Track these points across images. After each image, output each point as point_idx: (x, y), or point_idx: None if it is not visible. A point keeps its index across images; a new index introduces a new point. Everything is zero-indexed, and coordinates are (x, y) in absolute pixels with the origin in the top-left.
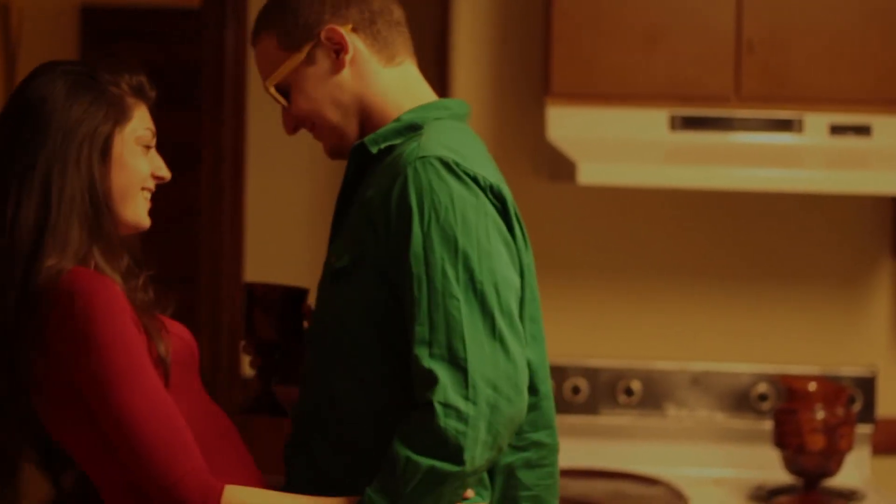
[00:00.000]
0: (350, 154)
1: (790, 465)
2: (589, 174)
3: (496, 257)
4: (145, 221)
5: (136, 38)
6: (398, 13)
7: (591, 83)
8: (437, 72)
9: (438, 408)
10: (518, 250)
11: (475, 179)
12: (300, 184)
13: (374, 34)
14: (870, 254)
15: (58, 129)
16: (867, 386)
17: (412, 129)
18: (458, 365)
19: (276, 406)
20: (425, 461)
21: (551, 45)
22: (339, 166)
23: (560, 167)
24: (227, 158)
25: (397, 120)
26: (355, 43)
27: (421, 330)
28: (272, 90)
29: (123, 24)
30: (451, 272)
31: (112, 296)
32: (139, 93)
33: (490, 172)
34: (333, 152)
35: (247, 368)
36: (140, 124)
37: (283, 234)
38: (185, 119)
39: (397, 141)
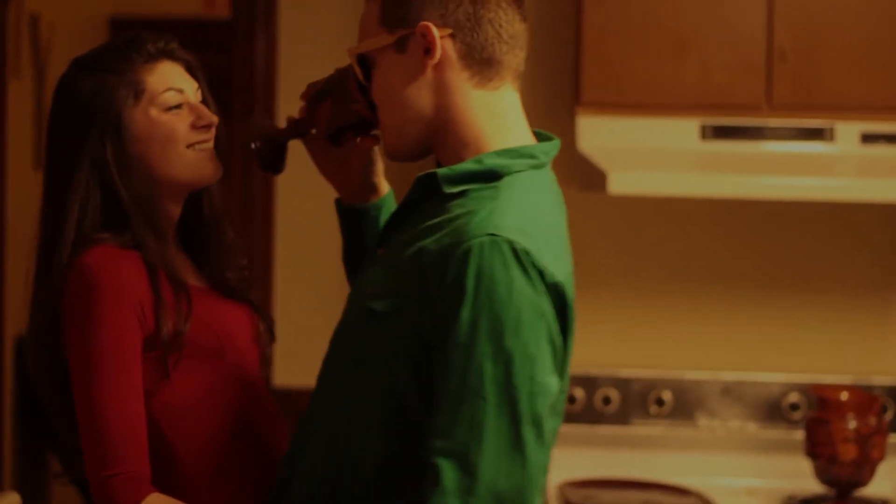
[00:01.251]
0: (418, 180)
1: (822, 475)
2: (620, 184)
3: (539, 363)
4: (206, 172)
5: None
6: (517, 28)
7: (621, 92)
8: None
9: None
10: (567, 348)
11: (541, 274)
12: (331, 193)
13: (475, 47)
14: None
15: (75, 119)
16: None
17: (492, 177)
18: (469, 471)
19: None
20: None
21: (581, 55)
22: None
23: (591, 177)
24: (257, 170)
25: (478, 161)
26: (447, 50)
27: (442, 419)
28: (353, 60)
29: None
30: (489, 370)
31: (114, 281)
32: (152, 56)
33: (559, 263)
34: (392, 153)
35: (279, 378)
36: (159, 87)
37: (314, 242)
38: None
39: (473, 186)
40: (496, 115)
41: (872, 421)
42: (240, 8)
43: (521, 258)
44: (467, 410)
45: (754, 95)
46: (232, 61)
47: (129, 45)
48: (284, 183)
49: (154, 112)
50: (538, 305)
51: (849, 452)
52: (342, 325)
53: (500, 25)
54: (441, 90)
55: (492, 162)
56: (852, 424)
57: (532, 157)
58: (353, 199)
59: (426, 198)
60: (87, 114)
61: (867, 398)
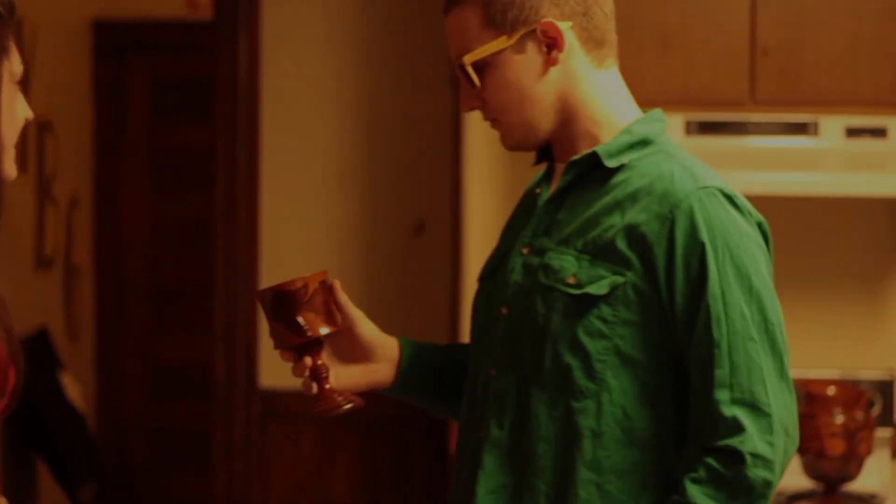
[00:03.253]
0: (572, 165)
1: (810, 469)
2: None
3: (775, 295)
4: (14, 173)
5: (149, 51)
6: (610, 5)
7: None
8: (452, 82)
9: (749, 458)
10: None
11: (750, 213)
12: (315, 195)
13: (590, 31)
14: (888, 256)
15: None
16: (886, 390)
17: (645, 143)
18: (763, 411)
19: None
20: None
21: None
22: (355, 179)
23: None
24: (241, 170)
25: (628, 132)
26: (570, 40)
27: (721, 373)
28: (468, 67)
29: (136, 37)
30: (748, 312)
31: None
32: (10, 12)
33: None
34: (517, 146)
35: (264, 380)
36: (15, 56)
37: (299, 246)
38: (200, 132)
39: (633, 156)
40: (616, 93)
41: (860, 416)
42: (222, 10)
43: (736, 201)
44: (741, 356)
45: (738, 91)
46: (215, 64)
47: None
48: (269, 187)
49: (11, 85)
50: (759, 242)
51: (836, 447)
52: (519, 331)
53: (603, 4)
54: (568, 79)
55: (641, 129)
56: (839, 419)
57: (661, 121)
58: (389, 378)
59: (574, 184)
60: None
61: (854, 393)
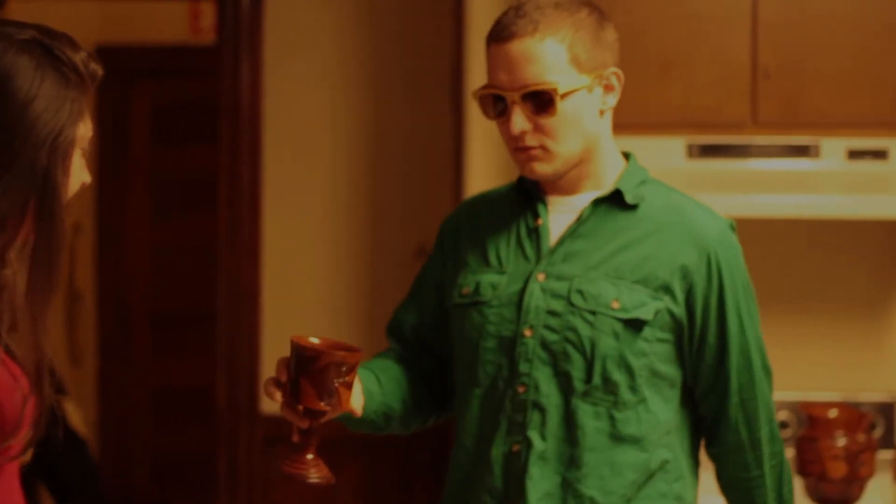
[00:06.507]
0: (597, 201)
1: (812, 492)
2: None
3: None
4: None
5: (153, 76)
6: None
7: None
8: (453, 100)
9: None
10: None
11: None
12: (318, 219)
13: (619, 78)
14: (889, 279)
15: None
16: (888, 412)
17: (646, 181)
18: (765, 403)
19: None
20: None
21: None
22: (357, 202)
23: None
24: (243, 193)
25: (636, 169)
26: (618, 89)
27: (761, 388)
28: (555, 97)
29: (140, 62)
30: (752, 327)
31: None
32: (93, 79)
33: None
34: (549, 175)
35: (267, 405)
36: (89, 122)
37: (301, 270)
38: (203, 156)
39: (642, 191)
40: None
41: (861, 438)
42: (225, 34)
43: (735, 234)
44: (760, 370)
45: (740, 114)
46: (218, 87)
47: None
48: (271, 210)
49: (79, 149)
50: None
51: (838, 470)
52: (559, 351)
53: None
54: (605, 122)
55: (639, 167)
56: (841, 442)
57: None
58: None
59: (588, 218)
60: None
61: (856, 415)
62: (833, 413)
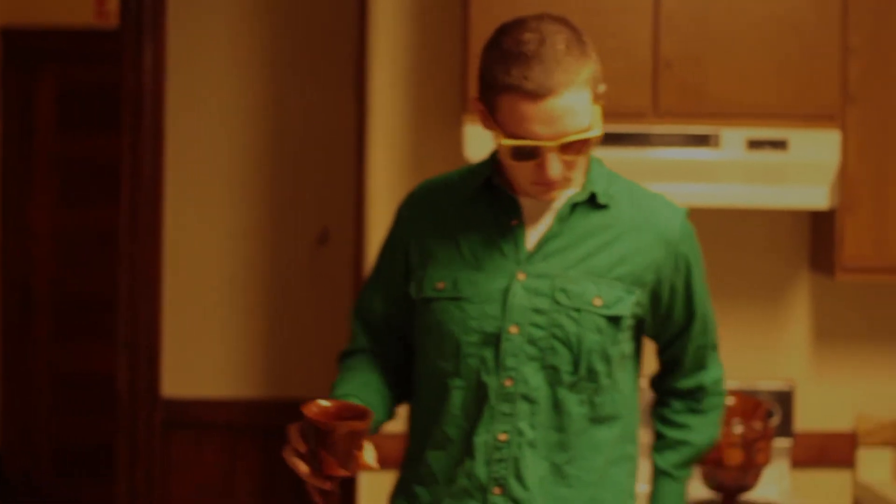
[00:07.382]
0: (574, 205)
1: (708, 479)
2: None
3: None
4: None
5: (59, 59)
6: None
7: None
8: (355, 87)
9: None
10: None
11: None
12: (219, 204)
13: None
14: (788, 268)
15: None
16: (785, 400)
17: (609, 177)
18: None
19: None
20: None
21: (468, 65)
22: (259, 188)
23: None
24: (145, 180)
25: (601, 169)
26: None
27: (711, 338)
28: (579, 138)
29: (45, 45)
30: (708, 294)
31: None
32: None
33: None
34: (556, 198)
35: (167, 389)
36: None
37: (203, 256)
38: (107, 141)
39: (610, 190)
40: None
41: (758, 426)
42: (128, 18)
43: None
44: (713, 322)
45: (641, 103)
46: (120, 72)
47: None
48: (173, 197)
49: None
50: None
51: (734, 457)
52: (546, 346)
53: None
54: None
55: (604, 166)
56: (738, 429)
57: None
58: None
59: (565, 219)
60: None
61: (753, 403)
62: (730, 400)
